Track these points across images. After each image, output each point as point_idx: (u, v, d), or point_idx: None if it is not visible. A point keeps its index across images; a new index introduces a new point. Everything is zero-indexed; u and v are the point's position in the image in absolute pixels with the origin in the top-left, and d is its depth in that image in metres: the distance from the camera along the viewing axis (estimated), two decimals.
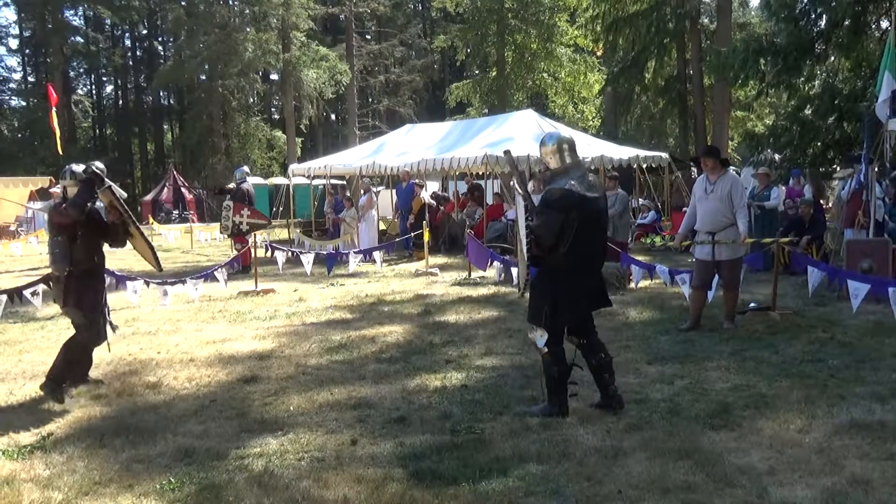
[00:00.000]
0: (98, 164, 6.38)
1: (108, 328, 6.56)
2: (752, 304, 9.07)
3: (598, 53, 33.44)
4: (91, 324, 6.27)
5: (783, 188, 14.98)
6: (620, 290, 10.85)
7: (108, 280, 10.60)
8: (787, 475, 4.25)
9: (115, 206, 6.36)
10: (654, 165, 20.07)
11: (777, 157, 17.38)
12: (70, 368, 6.21)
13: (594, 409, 5.46)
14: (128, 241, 6.64)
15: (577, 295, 5.29)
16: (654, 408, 5.49)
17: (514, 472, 4.37)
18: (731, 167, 8.61)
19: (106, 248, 6.59)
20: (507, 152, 6.03)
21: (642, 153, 19.74)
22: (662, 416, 5.29)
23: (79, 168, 6.30)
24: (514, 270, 11.52)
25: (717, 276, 8.42)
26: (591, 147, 18.85)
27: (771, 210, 13.08)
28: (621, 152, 19.17)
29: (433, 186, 23.61)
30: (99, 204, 6.45)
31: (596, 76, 34.11)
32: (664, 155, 20.41)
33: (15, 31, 55.40)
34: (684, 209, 10.94)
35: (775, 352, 7.12)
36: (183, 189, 36.91)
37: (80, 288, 6.19)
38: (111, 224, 6.45)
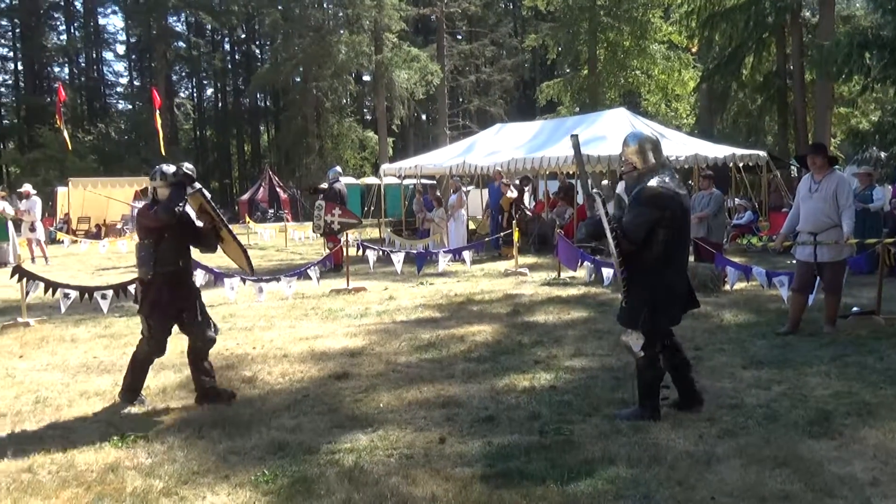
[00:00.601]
0: (188, 166, 6.19)
1: (211, 331, 6.26)
2: (854, 308, 8.70)
3: (693, 50, 32.64)
4: (152, 337, 6.04)
5: (889, 187, 14.33)
6: (715, 291, 10.59)
7: (205, 277, 11.04)
8: (892, 487, 4.07)
9: (205, 209, 6.22)
10: (751, 164, 19.50)
11: (883, 154, 16.64)
12: (138, 377, 6.11)
13: (673, 409, 5.39)
14: (219, 247, 6.46)
15: (673, 296, 5.22)
16: (750, 413, 5.34)
17: (603, 475, 4.32)
18: (838, 166, 8.27)
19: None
20: (573, 136, 5.90)
21: (739, 151, 19.20)
22: (758, 423, 5.14)
23: (169, 169, 6.06)
24: (606, 271, 11.39)
25: (818, 279, 8.13)
26: (685, 146, 18.48)
27: (874, 211, 12.51)
28: (716, 151, 18.70)
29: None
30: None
31: (690, 73, 33.33)
32: (762, 153, 19.81)
33: (122, 37, 58.03)
34: (784, 209, 10.61)
35: (879, 358, 6.83)
36: (278, 189, 37.80)
37: (156, 298, 5.96)
38: (202, 228, 6.26)
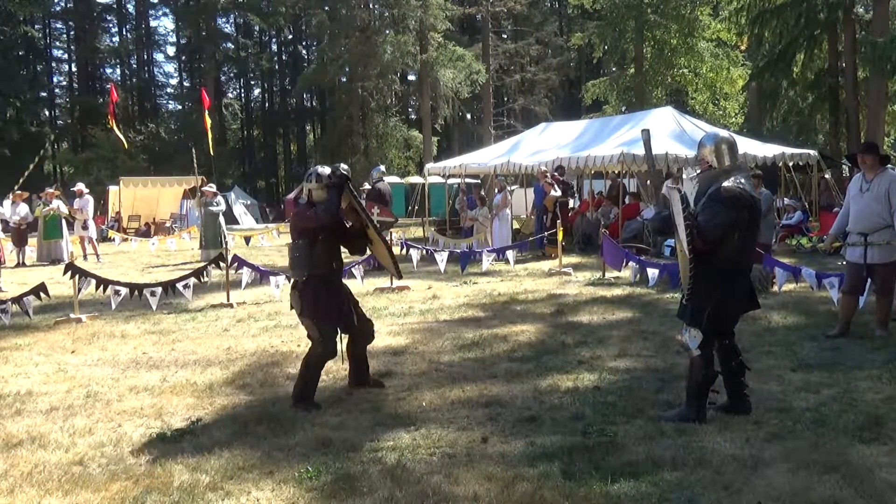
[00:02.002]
0: (344, 167, 6.14)
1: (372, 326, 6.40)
2: None
3: (743, 47, 32.13)
4: (323, 339, 5.94)
5: None
6: (762, 292, 10.40)
7: (251, 275, 11.18)
8: None
9: (353, 207, 6.17)
10: (801, 163, 19.14)
11: None
12: (309, 385, 5.97)
13: (720, 412, 5.32)
14: (367, 247, 6.47)
15: (737, 298, 5.24)
16: (798, 417, 5.24)
17: (647, 478, 4.28)
18: (890, 165, 8.08)
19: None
20: (645, 131, 5.87)
21: (788, 151, 18.86)
22: (807, 427, 5.04)
23: (325, 171, 6.02)
24: (651, 272, 11.27)
25: (868, 281, 7.94)
26: None
27: None
28: (765, 150, 18.40)
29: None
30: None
31: (739, 71, 32.81)
32: (812, 152, 19.43)
33: (172, 39, 59.06)
34: (835, 209, 10.37)
35: None
36: None
37: (316, 297, 5.90)
38: (351, 228, 6.24)
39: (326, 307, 5.94)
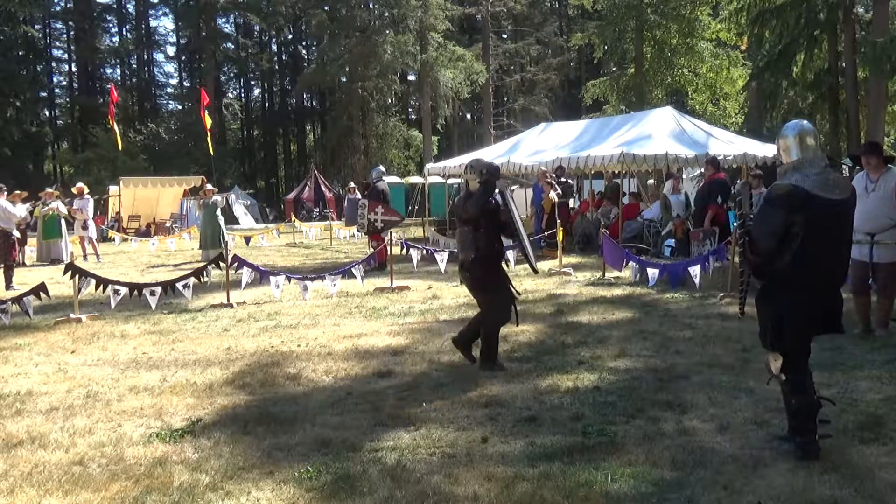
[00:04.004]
0: (494, 165, 7.13)
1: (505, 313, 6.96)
2: None
3: (742, 47, 32.12)
4: (493, 305, 6.85)
5: None
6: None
7: (251, 275, 11.19)
8: None
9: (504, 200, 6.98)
10: None
11: None
12: (492, 344, 6.85)
13: (778, 441, 4.78)
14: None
15: (802, 314, 4.52)
16: None
17: (647, 478, 4.28)
18: (891, 165, 8.06)
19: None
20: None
21: None
22: None
23: (480, 166, 6.96)
24: (651, 271, 11.28)
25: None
26: (733, 144, 18.21)
27: None
28: (766, 150, 18.36)
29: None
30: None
31: (739, 71, 32.81)
32: None
33: (172, 39, 59.12)
34: None
35: None
36: (323, 188, 38.12)
37: (483, 272, 6.82)
38: (502, 216, 6.96)
39: (496, 279, 6.89)
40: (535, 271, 7.84)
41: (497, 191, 6.93)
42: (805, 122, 4.83)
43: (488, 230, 6.81)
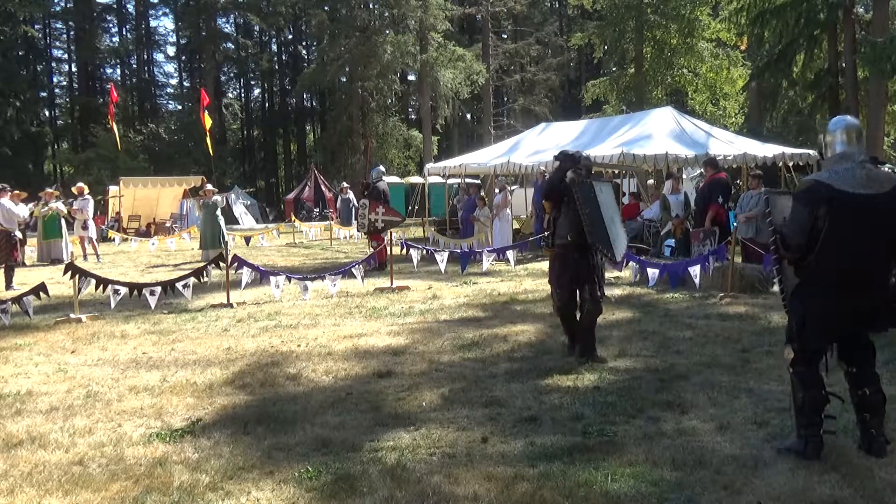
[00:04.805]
0: (573, 152, 7.40)
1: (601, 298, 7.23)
2: None
3: (742, 47, 32.11)
4: (556, 295, 7.21)
5: None
6: (763, 293, 10.43)
7: (251, 274, 11.19)
8: None
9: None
10: (801, 163, 19.11)
11: None
12: (567, 334, 7.30)
13: (778, 440, 4.78)
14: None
15: (830, 311, 4.43)
16: None
17: (647, 478, 4.28)
18: (888, 165, 8.06)
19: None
20: None
21: (789, 150, 18.84)
22: None
23: (563, 153, 7.38)
24: (651, 271, 11.27)
25: None
26: (733, 144, 18.21)
27: None
28: (765, 150, 18.39)
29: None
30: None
31: (739, 71, 32.81)
32: (812, 152, 19.38)
33: (172, 39, 59.12)
34: None
35: None
36: (323, 188, 38.11)
37: (555, 262, 7.18)
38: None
39: (560, 274, 7.09)
40: (615, 262, 7.69)
41: (568, 178, 7.02)
42: (849, 117, 4.78)
43: (568, 218, 6.99)
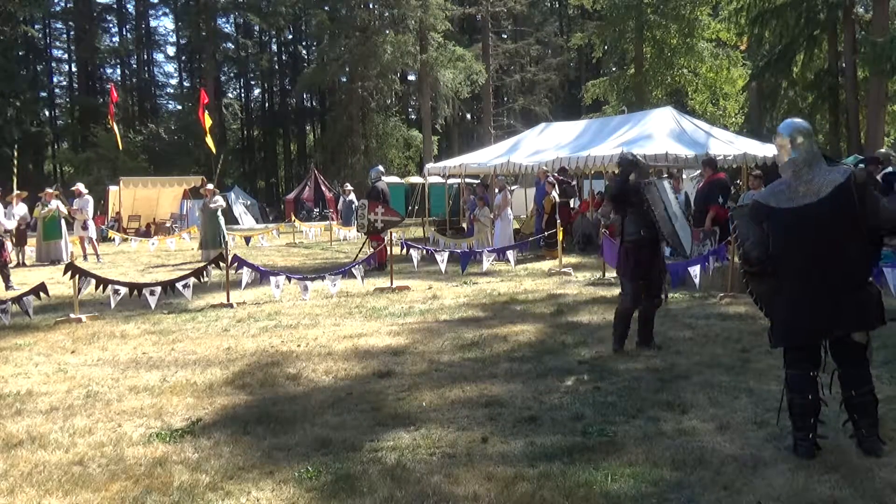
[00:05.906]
0: (632, 156, 7.67)
1: (662, 295, 7.49)
2: None
3: (742, 47, 32.12)
4: (628, 292, 7.33)
5: None
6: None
7: (251, 275, 11.19)
8: None
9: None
10: None
11: None
12: (621, 329, 7.35)
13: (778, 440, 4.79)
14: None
15: (790, 315, 4.60)
16: None
17: (647, 478, 4.28)
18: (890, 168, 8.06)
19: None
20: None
21: None
22: None
23: (624, 158, 7.68)
24: None
25: None
26: (733, 144, 18.21)
27: None
28: (765, 150, 18.37)
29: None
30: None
31: (739, 71, 32.83)
32: None
33: (172, 39, 59.13)
34: None
35: None
36: (323, 188, 38.11)
37: (626, 259, 7.34)
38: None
39: (633, 267, 7.28)
40: (685, 256, 8.07)
41: (631, 180, 7.32)
42: (796, 120, 4.88)
43: (636, 217, 7.24)
